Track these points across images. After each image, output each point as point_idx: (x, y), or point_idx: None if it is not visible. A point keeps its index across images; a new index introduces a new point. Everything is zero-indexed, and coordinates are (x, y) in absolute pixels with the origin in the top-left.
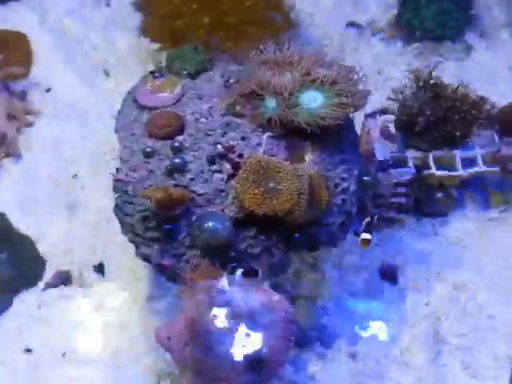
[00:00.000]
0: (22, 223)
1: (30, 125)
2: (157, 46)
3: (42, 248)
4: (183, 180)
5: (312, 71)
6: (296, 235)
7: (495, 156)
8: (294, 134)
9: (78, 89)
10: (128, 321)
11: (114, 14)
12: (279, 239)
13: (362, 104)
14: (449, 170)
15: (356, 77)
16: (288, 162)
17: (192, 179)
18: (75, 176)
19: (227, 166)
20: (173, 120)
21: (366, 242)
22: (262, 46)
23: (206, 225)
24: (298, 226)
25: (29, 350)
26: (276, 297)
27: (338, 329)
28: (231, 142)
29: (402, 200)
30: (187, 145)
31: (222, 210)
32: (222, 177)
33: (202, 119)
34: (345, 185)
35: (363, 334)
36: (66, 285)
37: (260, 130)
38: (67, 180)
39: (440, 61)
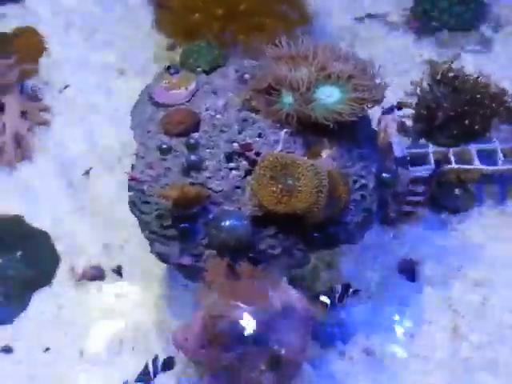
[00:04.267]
0: (36, 223)
1: (44, 123)
2: (170, 41)
3: (56, 247)
4: (199, 178)
5: (328, 66)
6: (315, 234)
7: None
8: (311, 129)
9: (92, 86)
10: (144, 321)
11: (127, 10)
12: (298, 238)
13: (379, 98)
14: (468, 165)
15: (372, 71)
16: (305, 158)
17: (209, 177)
18: (88, 172)
19: (244, 163)
20: (187, 117)
21: (324, 305)
22: (277, 41)
23: (223, 224)
24: (316, 224)
25: (47, 349)
26: (295, 295)
27: (357, 326)
28: (248, 140)
29: (420, 198)
30: (203, 142)
31: (239, 209)
32: (239, 174)
33: (218, 115)
34: (363, 181)
35: (381, 330)
36: (104, 276)
37: (277, 126)
38: (80, 178)
39: (458, 53)
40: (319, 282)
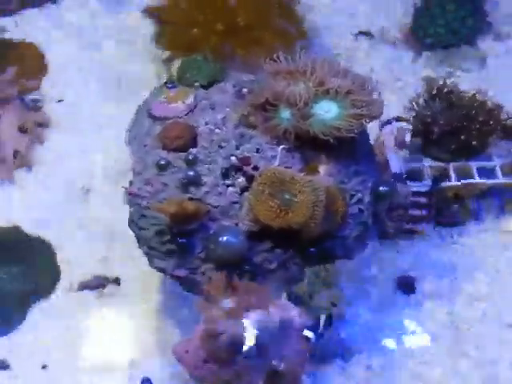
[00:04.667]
0: (35, 235)
1: (41, 138)
2: (168, 54)
3: (56, 260)
4: (198, 193)
5: (326, 81)
6: (311, 249)
7: None
8: (308, 145)
9: (91, 100)
10: (143, 333)
11: (125, 24)
12: (294, 253)
13: (377, 114)
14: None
15: (370, 86)
16: (303, 174)
17: (207, 192)
18: (86, 190)
19: (240, 179)
20: (185, 131)
21: (306, 339)
22: (275, 56)
23: (220, 239)
24: (313, 239)
25: (44, 367)
26: (293, 309)
27: (356, 342)
28: (246, 154)
29: (420, 212)
30: (201, 157)
31: (236, 224)
32: (236, 190)
33: (216, 130)
34: (360, 196)
35: (381, 346)
36: (102, 288)
37: (274, 141)
38: (79, 192)
39: (450, 71)
40: (317, 298)
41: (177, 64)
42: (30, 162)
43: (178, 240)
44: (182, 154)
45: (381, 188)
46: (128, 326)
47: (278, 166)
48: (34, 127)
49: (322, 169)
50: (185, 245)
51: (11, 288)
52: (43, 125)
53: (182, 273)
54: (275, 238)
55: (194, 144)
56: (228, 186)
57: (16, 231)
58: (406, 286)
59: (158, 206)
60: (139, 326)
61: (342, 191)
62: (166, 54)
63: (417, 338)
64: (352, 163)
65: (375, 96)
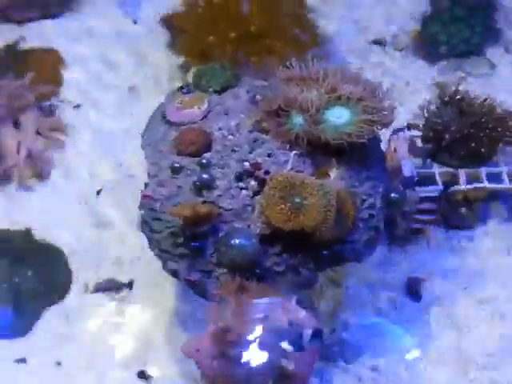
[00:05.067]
0: (48, 239)
1: (59, 144)
2: (184, 62)
3: (69, 262)
4: (211, 196)
5: (338, 88)
6: (324, 252)
7: None
8: (320, 150)
9: (107, 105)
10: (155, 335)
11: (141, 32)
12: (305, 257)
13: (389, 121)
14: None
15: (382, 93)
16: (314, 178)
17: (220, 195)
18: (99, 192)
19: (253, 183)
20: (199, 137)
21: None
22: (288, 63)
23: (232, 242)
24: (324, 243)
25: (58, 363)
26: (303, 312)
27: (361, 344)
28: (258, 159)
29: (428, 217)
30: (215, 161)
31: (248, 226)
32: (249, 193)
33: (230, 136)
34: (371, 201)
35: (387, 349)
36: (114, 291)
37: (286, 146)
38: (93, 196)
39: (464, 76)
40: (325, 300)
41: (192, 71)
42: (46, 166)
43: (190, 244)
44: (196, 159)
45: (392, 194)
46: (140, 328)
47: (291, 169)
48: (51, 133)
49: (333, 173)
50: (197, 248)
51: (25, 291)
52: (60, 130)
53: (195, 277)
54: (286, 241)
55: (208, 149)
56: (241, 189)
57: (29, 235)
58: (414, 289)
59: (172, 210)
60: (151, 328)
61: (353, 195)
62: (182, 60)
63: (423, 341)
64: (363, 169)
65: (387, 103)
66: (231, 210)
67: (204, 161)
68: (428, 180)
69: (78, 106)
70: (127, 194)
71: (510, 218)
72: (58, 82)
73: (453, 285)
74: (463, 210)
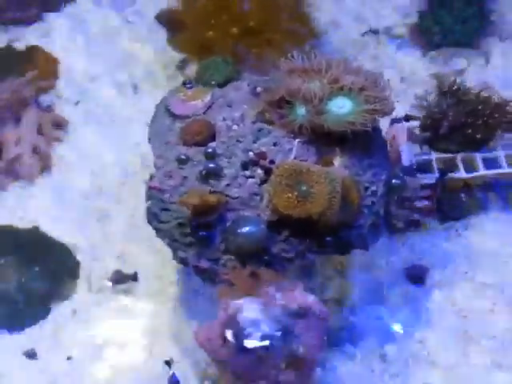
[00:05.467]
0: (54, 235)
1: (59, 139)
2: (182, 58)
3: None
4: (218, 185)
5: (340, 78)
6: (328, 238)
7: None
8: (323, 139)
9: (107, 101)
10: (161, 325)
11: (141, 29)
12: (312, 242)
13: (389, 110)
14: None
15: (383, 83)
16: (320, 166)
17: (227, 185)
18: (104, 183)
19: (259, 171)
20: (203, 127)
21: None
22: (289, 55)
23: (240, 229)
24: (330, 229)
25: (69, 358)
26: (311, 297)
27: (367, 330)
28: (263, 149)
29: (426, 203)
30: (220, 151)
31: (258, 215)
32: (255, 181)
33: (234, 126)
34: (374, 188)
35: (392, 334)
36: (120, 283)
37: (291, 136)
38: (97, 189)
39: (462, 68)
40: (329, 288)
41: (191, 67)
42: (50, 161)
43: (198, 233)
44: (202, 149)
45: (393, 181)
46: (146, 320)
47: (295, 158)
48: (51, 128)
49: (337, 161)
50: (206, 237)
51: (34, 287)
52: (60, 125)
53: (204, 264)
54: (293, 228)
55: (213, 140)
56: (248, 177)
57: (35, 231)
58: (416, 276)
59: (181, 199)
60: (158, 320)
61: (357, 183)
62: (180, 57)
63: (426, 327)
64: (366, 156)
65: (387, 92)
66: (238, 198)
67: (210, 150)
68: (426, 167)
69: (77, 103)
70: (128, 189)
71: (508, 203)
72: (55, 77)
73: (454, 272)
74: (463, 196)
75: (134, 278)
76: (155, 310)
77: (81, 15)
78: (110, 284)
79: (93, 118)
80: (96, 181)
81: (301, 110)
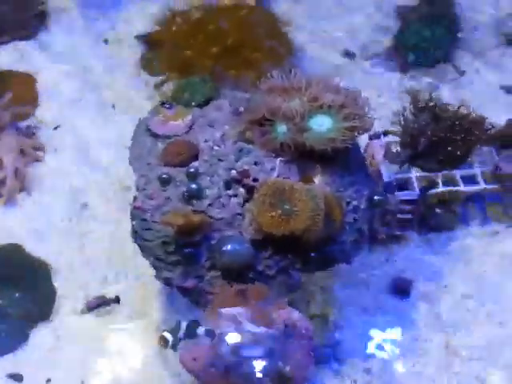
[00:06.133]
0: (35, 256)
1: (39, 159)
2: (159, 79)
3: (55, 280)
4: (201, 205)
5: (320, 96)
6: (312, 254)
7: (495, 174)
8: (304, 157)
9: (84, 124)
10: (145, 348)
11: (113, 50)
12: (296, 259)
13: (369, 126)
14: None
15: (362, 101)
16: (302, 184)
17: (210, 204)
18: (85, 205)
19: (242, 191)
20: (185, 148)
21: (163, 340)
22: (269, 74)
23: (225, 248)
24: (314, 245)
25: (48, 380)
26: (296, 314)
27: (352, 345)
28: (245, 167)
29: (409, 217)
30: (202, 170)
31: (241, 233)
32: (239, 201)
33: (215, 147)
34: (355, 203)
35: (376, 348)
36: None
37: (272, 154)
38: (78, 212)
39: (437, 84)
40: (313, 305)
41: (167, 87)
42: (29, 182)
43: (183, 250)
44: (184, 169)
45: (375, 197)
46: (130, 342)
47: (278, 177)
48: (31, 150)
49: (317, 179)
50: (191, 255)
51: (13, 310)
52: (39, 149)
53: (189, 284)
54: (277, 245)
55: (195, 160)
56: (231, 196)
57: (16, 252)
58: (401, 289)
59: (165, 218)
60: (141, 341)
61: (339, 199)
62: (157, 78)
63: (410, 340)
64: (346, 173)
65: (366, 109)
66: (222, 219)
67: (192, 170)
68: (406, 184)
69: (57, 127)
70: (109, 210)
71: (486, 217)
72: (34, 102)
73: (436, 285)
74: (440, 211)
75: (116, 300)
76: (139, 331)
77: (56, 38)
78: (90, 308)
79: (72, 141)
80: (77, 201)
81: (282, 128)
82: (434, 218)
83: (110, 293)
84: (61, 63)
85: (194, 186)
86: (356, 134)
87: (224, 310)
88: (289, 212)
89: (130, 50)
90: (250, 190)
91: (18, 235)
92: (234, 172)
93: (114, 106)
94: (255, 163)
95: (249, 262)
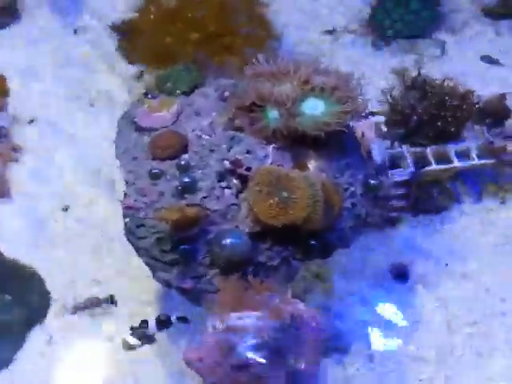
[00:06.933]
0: (21, 261)
1: (15, 160)
2: (138, 69)
3: (45, 283)
4: (195, 199)
5: (310, 79)
6: (312, 242)
7: (488, 148)
8: (297, 143)
9: (60, 119)
10: (143, 349)
11: (86, 41)
12: (296, 248)
13: (363, 108)
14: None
15: (354, 82)
16: (298, 171)
17: (204, 197)
18: (66, 208)
19: (235, 181)
20: (174, 140)
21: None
22: (254, 59)
23: (224, 242)
24: (314, 233)
25: None
26: (301, 306)
27: (353, 333)
28: (237, 157)
29: (402, 201)
30: (193, 163)
31: (237, 226)
32: (233, 192)
33: (205, 136)
34: (352, 189)
35: (378, 335)
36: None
37: (264, 142)
38: (61, 213)
39: (419, 59)
40: (311, 294)
41: (149, 77)
42: (7, 185)
43: (180, 247)
44: (174, 162)
45: (371, 181)
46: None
47: (271, 164)
48: (7, 150)
49: (312, 165)
50: (187, 251)
51: (3, 318)
52: (15, 148)
53: (188, 284)
54: (276, 235)
55: (185, 151)
56: (224, 188)
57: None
58: (399, 274)
59: (159, 214)
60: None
61: (336, 185)
62: (135, 67)
63: (413, 322)
64: (341, 157)
65: (359, 91)
66: (217, 210)
67: (183, 162)
68: (398, 161)
69: (32, 121)
70: (95, 209)
71: (480, 194)
72: (3, 97)
73: (434, 265)
74: (435, 191)
75: (111, 301)
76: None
77: (25, 30)
78: (82, 308)
79: (48, 135)
80: (60, 201)
81: (273, 114)
82: (428, 198)
83: (103, 293)
84: (31, 56)
85: (187, 179)
86: (350, 116)
87: (230, 307)
88: (286, 200)
89: (104, 40)
90: (244, 180)
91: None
92: (227, 163)
93: (90, 100)
94: (247, 152)
95: (248, 256)
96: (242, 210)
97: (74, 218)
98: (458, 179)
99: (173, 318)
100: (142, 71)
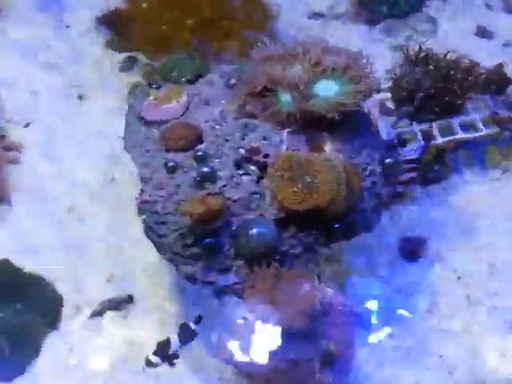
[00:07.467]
0: (28, 265)
1: (15, 161)
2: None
3: (59, 288)
4: (215, 188)
5: (321, 60)
6: (336, 225)
7: (494, 118)
8: (311, 126)
9: (55, 117)
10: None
11: (76, 35)
12: (320, 233)
13: (375, 87)
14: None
15: (364, 61)
16: (317, 154)
17: (224, 185)
18: (71, 210)
19: (253, 168)
20: (188, 130)
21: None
22: (260, 42)
23: (251, 232)
24: (338, 216)
25: None
26: (329, 291)
27: (374, 311)
28: (253, 144)
29: (413, 175)
30: (211, 152)
31: (261, 215)
32: (252, 179)
33: (217, 126)
34: (371, 168)
35: (398, 311)
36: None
37: (278, 127)
38: (66, 214)
39: (409, 36)
40: (324, 277)
41: (141, 65)
42: (7, 188)
43: (204, 241)
44: (189, 153)
45: (387, 160)
46: (150, 341)
47: (287, 149)
48: (4, 153)
49: (328, 147)
50: (212, 245)
51: (17, 325)
52: (13, 149)
53: (214, 277)
54: (300, 221)
55: (199, 142)
56: (242, 175)
57: (7, 265)
58: (412, 251)
59: (182, 208)
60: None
61: (355, 166)
62: (122, 62)
63: (431, 298)
64: (356, 138)
65: (370, 69)
66: (238, 199)
67: (200, 153)
68: (407, 137)
69: (28, 124)
70: (97, 205)
71: (482, 165)
72: None
73: (446, 239)
74: (438, 165)
75: (129, 300)
76: (155, 328)
77: (12, 29)
78: (103, 311)
79: (47, 137)
80: (64, 203)
81: (286, 97)
82: (434, 172)
83: (117, 293)
84: (20, 53)
85: (206, 169)
86: (364, 95)
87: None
88: (309, 185)
89: (92, 32)
90: (263, 167)
91: (8, 247)
92: (242, 151)
93: (80, 96)
94: (263, 138)
95: (275, 244)
96: (265, 198)
97: (79, 218)
98: (460, 150)
99: (193, 327)
100: (133, 60)
